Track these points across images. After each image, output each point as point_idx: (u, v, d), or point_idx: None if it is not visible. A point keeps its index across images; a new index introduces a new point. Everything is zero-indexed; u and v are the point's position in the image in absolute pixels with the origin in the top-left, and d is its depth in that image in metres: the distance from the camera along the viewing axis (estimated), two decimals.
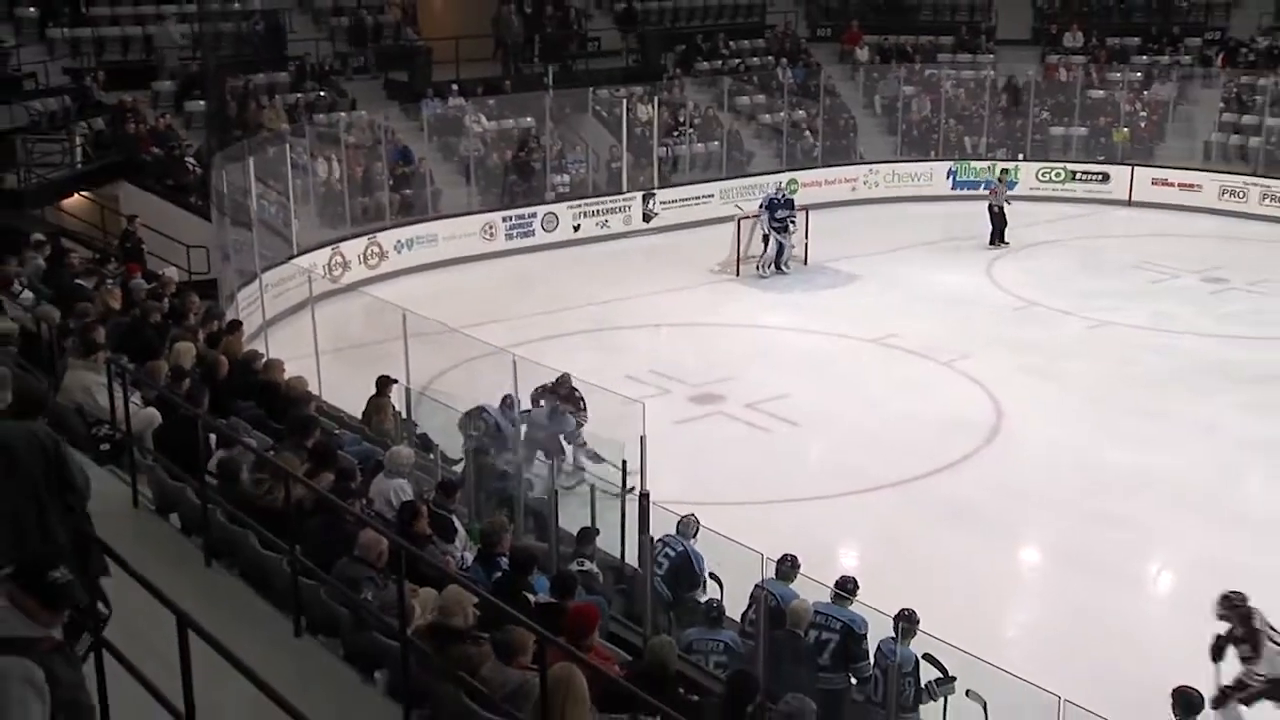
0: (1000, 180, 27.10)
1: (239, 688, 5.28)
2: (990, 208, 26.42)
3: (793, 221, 24.20)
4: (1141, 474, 15.45)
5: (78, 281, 15.12)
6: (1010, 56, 33.90)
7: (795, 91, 31.87)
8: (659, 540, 10.85)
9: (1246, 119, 30.49)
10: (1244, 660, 10.12)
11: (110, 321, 12.86)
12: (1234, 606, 10.20)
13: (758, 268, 24.05)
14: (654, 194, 27.94)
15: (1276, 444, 16.36)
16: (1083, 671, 10.81)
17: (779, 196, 24.51)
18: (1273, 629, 10.10)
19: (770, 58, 33.71)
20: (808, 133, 31.28)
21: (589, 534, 11.03)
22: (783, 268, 24.03)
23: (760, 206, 24.40)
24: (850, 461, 15.87)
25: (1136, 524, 14.23)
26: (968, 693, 8.77)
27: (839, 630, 9.72)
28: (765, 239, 24.08)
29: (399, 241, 24.66)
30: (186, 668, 5.36)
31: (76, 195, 23.05)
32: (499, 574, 9.04)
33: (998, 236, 26.16)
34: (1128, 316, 21.48)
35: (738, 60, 33.38)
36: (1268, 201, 28.42)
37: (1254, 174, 29.09)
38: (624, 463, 11.63)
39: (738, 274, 24.03)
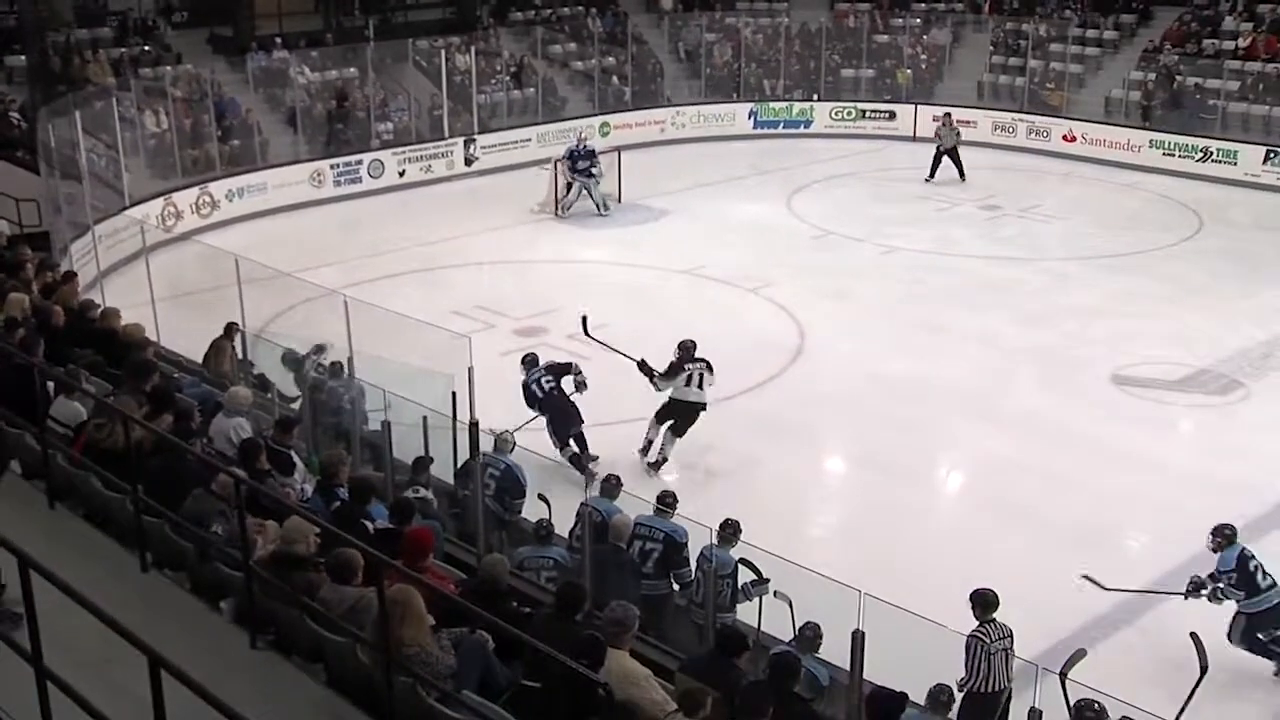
0: (945, 123, 26.98)
1: (88, 624, 5.11)
2: (938, 149, 26.48)
3: (595, 168, 24.03)
4: (928, 382, 15.93)
5: None
6: (803, 4, 34.23)
7: (604, 39, 31.72)
8: (482, 464, 10.83)
9: (1013, 61, 31.31)
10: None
11: None
12: (684, 347, 13.67)
13: (558, 210, 23.94)
14: (474, 139, 27.62)
15: (1042, 351, 17.04)
16: (883, 566, 11.15)
17: (579, 148, 24.17)
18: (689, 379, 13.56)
19: (580, 7, 33.42)
20: (616, 79, 31.23)
21: (423, 462, 10.93)
22: (600, 209, 23.96)
23: (563, 157, 24.19)
24: None
25: (925, 428, 14.71)
26: (775, 594, 8.94)
27: (661, 540, 9.84)
28: (569, 186, 24.01)
29: (230, 191, 23.93)
30: (30, 607, 5.17)
31: None
32: (338, 503, 8.92)
33: (958, 172, 26.33)
34: (914, 242, 22.02)
35: (549, 11, 33.02)
36: (1033, 135, 29.34)
37: (1021, 110, 29.93)
38: (453, 394, 11.52)
39: (556, 214, 23.94)
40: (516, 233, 22.93)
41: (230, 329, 13.61)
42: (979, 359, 16.84)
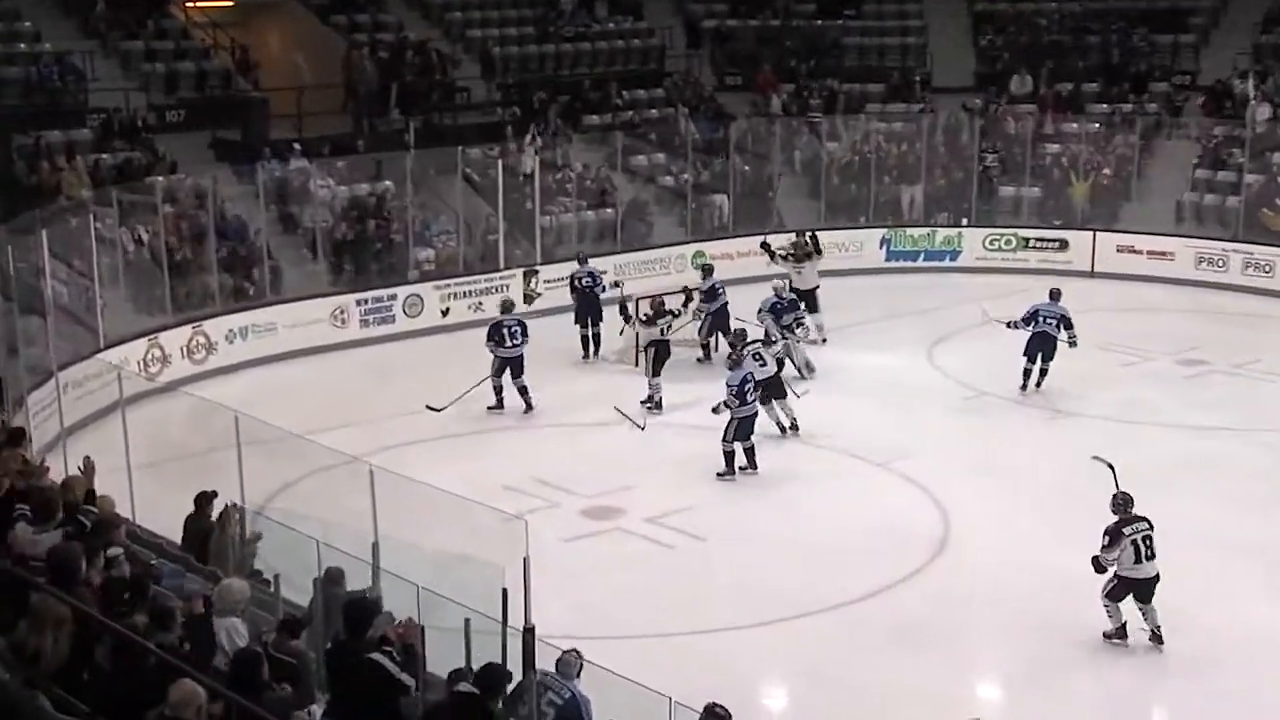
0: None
1: None
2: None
3: (799, 323, 23.43)
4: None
5: None
6: (950, 105, 34.62)
7: (701, 149, 32.11)
8: (541, 684, 10.80)
9: (1222, 175, 31.02)
10: None
11: None
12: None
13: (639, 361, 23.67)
14: (537, 271, 27.94)
15: (1258, 547, 16.73)
16: None
17: (780, 300, 23.54)
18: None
19: (670, 109, 34.01)
20: (715, 196, 31.57)
21: (460, 677, 10.95)
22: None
23: (761, 312, 23.29)
24: (771, 583, 15.93)
25: (1098, 638, 14.52)
26: None
27: None
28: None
29: (230, 331, 24.45)
30: None
31: None
32: None
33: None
34: (1091, 405, 21.86)
35: (631, 112, 33.62)
36: (1251, 270, 28.96)
37: (1234, 238, 29.64)
38: (504, 591, 11.60)
39: (636, 364, 23.87)
40: (588, 388, 23.06)
41: (203, 501, 13.84)
42: (1178, 556, 16.60)
